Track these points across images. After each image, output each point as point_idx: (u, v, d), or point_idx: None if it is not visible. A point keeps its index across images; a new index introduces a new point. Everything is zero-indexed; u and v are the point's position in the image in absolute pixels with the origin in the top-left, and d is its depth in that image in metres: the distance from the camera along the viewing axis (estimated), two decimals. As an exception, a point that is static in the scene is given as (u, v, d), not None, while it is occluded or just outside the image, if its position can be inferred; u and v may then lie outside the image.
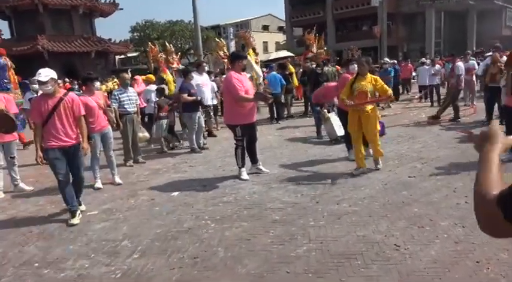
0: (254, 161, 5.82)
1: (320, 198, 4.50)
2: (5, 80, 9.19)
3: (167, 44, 12.59)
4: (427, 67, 12.83)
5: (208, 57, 21.02)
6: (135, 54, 40.72)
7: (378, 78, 5.56)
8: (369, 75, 5.41)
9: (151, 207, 4.67)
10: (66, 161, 4.31)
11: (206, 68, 10.67)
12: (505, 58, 7.38)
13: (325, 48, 14.85)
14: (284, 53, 16.27)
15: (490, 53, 9.08)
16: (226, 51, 12.70)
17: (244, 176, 5.53)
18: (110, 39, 27.01)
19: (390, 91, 5.56)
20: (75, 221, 4.29)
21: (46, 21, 23.99)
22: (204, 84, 8.35)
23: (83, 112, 4.50)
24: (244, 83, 5.31)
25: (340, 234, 3.52)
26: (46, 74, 4.14)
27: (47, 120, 4.22)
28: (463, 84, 9.84)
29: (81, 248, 3.64)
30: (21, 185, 5.77)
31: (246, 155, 5.70)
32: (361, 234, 3.50)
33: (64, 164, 4.30)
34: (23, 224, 4.37)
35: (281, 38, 47.73)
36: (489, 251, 3.03)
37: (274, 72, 11.51)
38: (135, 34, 39.76)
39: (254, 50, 13.10)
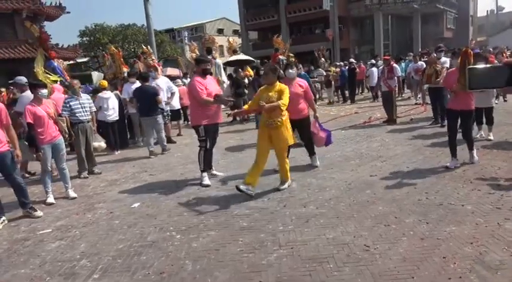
0: (209, 166, 5.75)
1: (287, 202, 4.46)
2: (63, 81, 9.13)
3: (144, 46, 12.32)
4: (375, 69, 13.38)
5: (180, 59, 20.78)
6: (84, 59, 39.08)
7: (286, 88, 4.84)
8: (278, 84, 4.87)
9: (111, 221, 4.40)
10: None
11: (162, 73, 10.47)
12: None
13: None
14: (243, 56, 16.20)
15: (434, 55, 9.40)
16: (154, 58, 12.49)
17: (206, 181, 5.43)
18: (57, 45, 25.62)
19: (280, 102, 4.69)
20: None
21: (-15, 26, 22.36)
22: (159, 88, 8.19)
23: (10, 121, 4.59)
24: (208, 86, 5.28)
25: (310, 238, 3.49)
26: None
27: None
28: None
29: (34, 271, 3.33)
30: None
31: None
32: (330, 236, 3.49)
33: None
34: (-36, 249, 3.95)
35: (236, 41, 47.82)
36: (454, 245, 3.12)
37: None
38: (85, 38, 38.17)
39: (210, 51, 13.12)
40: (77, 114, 6.32)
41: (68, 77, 9.54)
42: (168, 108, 9.08)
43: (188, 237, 3.75)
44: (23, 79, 7.06)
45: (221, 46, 46.43)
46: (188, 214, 4.38)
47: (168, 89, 8.94)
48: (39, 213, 4.74)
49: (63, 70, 9.83)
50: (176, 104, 9.80)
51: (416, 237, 3.32)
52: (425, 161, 5.64)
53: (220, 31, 52.69)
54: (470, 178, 4.73)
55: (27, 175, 6.83)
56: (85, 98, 6.64)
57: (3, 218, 4.56)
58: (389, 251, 3.14)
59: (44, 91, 5.33)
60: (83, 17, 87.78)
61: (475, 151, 5.35)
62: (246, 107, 5.20)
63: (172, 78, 12.06)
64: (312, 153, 5.98)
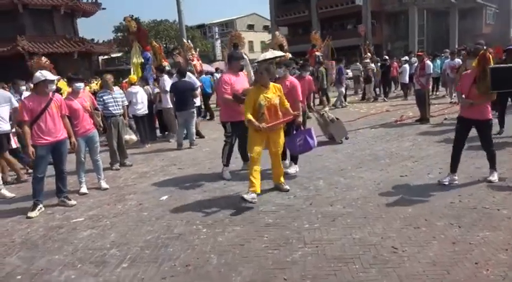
0: (245, 159, 5.80)
1: (313, 200, 4.42)
2: (151, 73, 9.96)
3: (185, 40, 12.61)
4: (408, 66, 13.01)
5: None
6: (118, 54, 40.13)
7: (281, 88, 4.68)
8: (272, 85, 4.59)
9: (140, 212, 4.52)
10: (49, 158, 4.78)
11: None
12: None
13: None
14: (275, 53, 16.09)
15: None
16: (194, 52, 12.70)
17: (227, 175, 5.56)
18: (92, 40, 26.49)
19: (288, 105, 4.70)
20: (33, 214, 4.60)
21: (26, 22, 23.34)
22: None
23: (67, 112, 4.96)
24: (236, 84, 5.33)
25: (336, 237, 3.45)
26: (50, 74, 4.74)
27: (36, 118, 4.57)
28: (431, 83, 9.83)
29: (67, 258, 3.48)
30: (3, 191, 5.54)
31: (236, 155, 5.60)
32: (357, 236, 3.43)
33: (47, 162, 4.78)
34: (4, 233, 4.17)
35: (266, 37, 47.70)
36: (487, 251, 2.99)
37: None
38: (119, 34, 39.16)
39: (283, 47, 13.25)
40: (109, 108, 6.51)
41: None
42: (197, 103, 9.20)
43: (214, 232, 3.79)
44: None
45: (251, 42, 46.55)
46: (214, 208, 4.42)
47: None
48: (72, 202, 4.93)
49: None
50: (197, 100, 9.80)
51: (448, 241, 3.21)
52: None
53: (250, 27, 52.78)
54: (507, 181, 4.52)
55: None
56: (118, 92, 6.83)
57: (41, 205, 4.77)
58: (419, 254, 3.05)
59: (79, 84, 5.54)
60: (117, 12, 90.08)
61: (497, 173, 4.60)
62: (249, 116, 4.43)
63: (204, 74, 12.26)
64: (293, 158, 5.64)
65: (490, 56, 4.37)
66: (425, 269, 2.83)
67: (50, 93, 4.73)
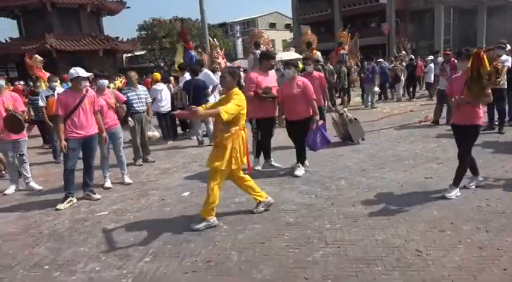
0: (267, 156, 5.93)
1: (335, 200, 4.38)
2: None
3: (210, 39, 12.91)
4: (433, 65, 12.67)
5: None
6: (142, 52, 40.75)
7: (238, 95, 3.87)
8: (234, 91, 3.90)
9: (162, 208, 4.59)
10: (79, 152, 4.92)
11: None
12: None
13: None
14: (291, 54, 15.93)
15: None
16: (219, 50, 12.85)
17: (257, 166, 5.73)
18: (117, 38, 27.00)
19: (215, 110, 3.76)
20: (61, 206, 4.75)
21: (54, 20, 24.04)
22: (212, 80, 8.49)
23: (99, 108, 5.13)
24: (263, 82, 5.41)
25: (358, 238, 3.41)
26: (84, 71, 4.83)
27: (70, 113, 4.73)
28: None
29: (92, 250, 3.57)
30: (32, 183, 5.73)
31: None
32: (379, 238, 3.38)
33: (77, 155, 4.93)
34: (32, 225, 4.32)
35: (288, 35, 47.54)
36: (517, 257, 2.90)
37: None
38: (143, 32, 39.75)
39: (311, 44, 13.29)
40: (133, 105, 6.62)
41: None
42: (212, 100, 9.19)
43: (234, 229, 3.81)
44: None
45: (272, 40, 46.44)
46: (235, 206, 4.44)
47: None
48: (97, 196, 5.05)
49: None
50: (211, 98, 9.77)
51: (474, 246, 3.13)
52: (486, 165, 5.26)
53: (272, 25, 52.68)
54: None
55: None
56: (141, 89, 6.94)
57: (71, 198, 4.91)
58: (444, 258, 2.98)
59: (103, 81, 5.73)
60: (141, 11, 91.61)
61: (456, 190, 4.21)
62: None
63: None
64: (300, 160, 5.52)
65: (485, 55, 4.05)
66: (450, 274, 2.76)
67: (84, 90, 4.87)
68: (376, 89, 12.70)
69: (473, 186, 4.40)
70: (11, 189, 5.61)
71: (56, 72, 16.84)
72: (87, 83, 4.98)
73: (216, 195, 3.85)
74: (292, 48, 26.16)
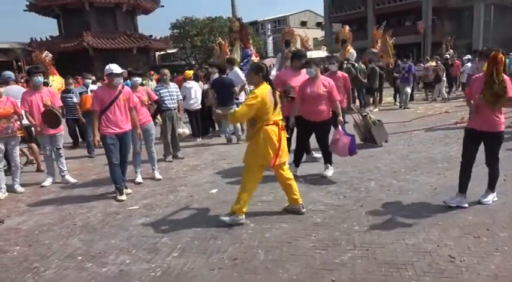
0: (307, 152, 6.05)
1: (364, 202, 4.30)
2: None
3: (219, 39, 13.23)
4: (470, 65, 12.13)
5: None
6: (174, 50, 41.48)
7: (254, 92, 3.83)
8: (257, 88, 3.87)
9: (191, 204, 4.66)
10: (118, 147, 4.97)
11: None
12: None
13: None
14: (319, 53, 15.69)
15: None
16: (252, 48, 13.02)
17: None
18: (151, 36, 27.65)
19: (232, 111, 4.03)
20: (123, 197, 4.94)
21: (91, 19, 24.92)
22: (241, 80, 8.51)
23: (134, 104, 5.22)
24: (293, 81, 5.47)
25: (387, 242, 3.32)
26: (118, 67, 4.91)
27: (105, 109, 4.82)
28: None
29: (122, 243, 3.67)
30: (67, 177, 5.95)
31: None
32: (410, 242, 3.28)
33: (118, 149, 4.97)
34: (67, 216, 4.49)
35: (319, 34, 46.98)
36: (559, 268, 2.74)
37: None
38: (175, 31, 40.45)
39: (345, 42, 13.64)
40: (165, 102, 6.75)
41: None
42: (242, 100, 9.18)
43: (261, 227, 3.81)
44: (6, 74, 7.27)
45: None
46: (262, 204, 4.44)
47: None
48: (128, 190, 5.19)
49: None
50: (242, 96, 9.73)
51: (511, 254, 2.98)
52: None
53: (303, 23, 52.22)
54: None
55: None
56: (173, 86, 7.06)
57: (123, 189, 5.04)
58: (478, 265, 2.86)
59: (136, 79, 5.88)
60: (174, 10, 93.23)
61: (492, 195, 4.05)
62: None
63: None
64: (327, 160, 5.39)
65: (503, 58, 3.71)
66: (486, 282, 2.64)
67: (120, 86, 4.97)
68: (408, 89, 12.26)
69: (454, 205, 3.96)
70: (48, 182, 5.86)
71: (92, 69, 17.49)
72: (121, 80, 5.09)
73: (248, 191, 3.90)
74: (323, 46, 25.85)
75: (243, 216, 3.90)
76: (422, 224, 3.62)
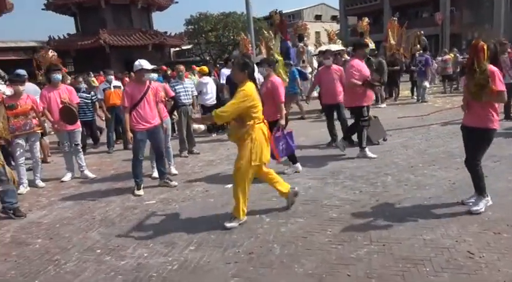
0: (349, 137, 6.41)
1: (380, 197, 4.26)
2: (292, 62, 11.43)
3: (265, 31, 13.34)
4: None
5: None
6: (188, 46, 41.65)
7: (242, 91, 3.64)
8: (246, 84, 3.69)
9: (206, 198, 4.70)
10: (146, 142, 5.05)
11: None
12: None
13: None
14: (335, 47, 15.43)
15: None
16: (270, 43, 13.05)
17: (371, 154, 5.87)
18: (165, 33, 27.83)
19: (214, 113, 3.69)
20: (141, 192, 5.01)
21: (107, 16, 25.24)
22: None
23: (161, 98, 5.34)
24: (364, 70, 5.78)
25: (404, 237, 3.29)
26: (148, 63, 4.94)
27: (135, 105, 4.85)
28: None
29: (140, 237, 3.73)
30: (86, 172, 6.08)
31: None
32: (428, 237, 3.24)
33: (145, 145, 5.07)
34: (86, 210, 4.59)
35: (334, 27, 46.46)
36: None
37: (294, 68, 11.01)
38: (189, 27, 40.59)
39: (363, 35, 14.07)
40: (180, 97, 6.80)
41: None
42: None
43: (277, 222, 3.81)
44: (20, 72, 7.03)
45: (318, 32, 45.64)
46: (277, 199, 4.43)
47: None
48: (174, 183, 5.28)
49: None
50: None
51: (534, 251, 2.91)
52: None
53: (318, 17, 51.71)
54: None
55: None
56: (188, 82, 7.11)
57: (141, 184, 5.11)
58: (499, 262, 2.80)
59: (150, 75, 5.91)
60: (188, 6, 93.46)
61: (485, 200, 3.68)
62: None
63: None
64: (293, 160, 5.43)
65: (484, 46, 3.45)
66: (506, 279, 2.59)
67: (147, 82, 5.00)
68: (426, 83, 11.97)
69: (480, 209, 3.62)
70: (67, 177, 6.00)
71: (109, 66, 17.68)
72: (150, 75, 5.13)
73: (243, 193, 3.79)
74: (338, 40, 25.55)
75: (245, 217, 3.86)
76: (440, 220, 3.56)
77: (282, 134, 4.86)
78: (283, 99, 5.02)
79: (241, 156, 3.74)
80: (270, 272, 2.94)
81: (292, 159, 5.41)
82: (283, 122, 4.91)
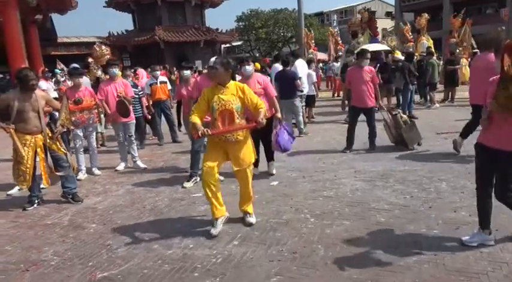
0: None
1: (433, 203, 4.04)
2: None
3: (305, 29, 13.60)
4: None
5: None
6: (239, 43, 42.15)
7: (247, 87, 3.69)
8: (234, 84, 3.67)
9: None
10: None
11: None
12: None
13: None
14: (376, 47, 14.59)
15: None
16: (312, 42, 13.21)
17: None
18: (217, 29, 28.33)
19: (264, 106, 3.71)
20: (189, 184, 5.15)
21: (163, 13, 26.16)
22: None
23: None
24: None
25: (459, 248, 3.10)
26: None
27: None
28: None
29: (187, 228, 3.83)
30: (138, 162, 6.35)
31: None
32: (485, 250, 3.03)
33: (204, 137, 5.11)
34: (137, 199, 4.80)
35: (388, 24, 44.78)
36: None
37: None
38: (240, 23, 41.02)
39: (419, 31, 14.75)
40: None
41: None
42: (305, 93, 9.00)
43: (322, 223, 3.75)
44: (76, 66, 7.61)
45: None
46: (323, 199, 4.37)
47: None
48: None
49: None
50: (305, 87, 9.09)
51: None
52: None
53: (371, 13, 50.12)
54: None
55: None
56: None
57: (196, 177, 5.22)
58: None
59: (187, 72, 6.23)
60: (239, 3, 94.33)
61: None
62: (197, 120, 3.57)
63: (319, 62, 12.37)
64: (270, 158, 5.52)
65: None
66: None
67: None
68: None
69: (475, 244, 3.09)
70: (121, 166, 6.31)
71: (163, 62, 18.31)
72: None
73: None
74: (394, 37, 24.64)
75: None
76: (499, 231, 3.31)
77: (282, 126, 4.63)
78: (275, 94, 5.11)
79: (248, 154, 3.78)
80: (313, 273, 2.90)
81: (256, 163, 4.84)
82: (279, 115, 4.65)
